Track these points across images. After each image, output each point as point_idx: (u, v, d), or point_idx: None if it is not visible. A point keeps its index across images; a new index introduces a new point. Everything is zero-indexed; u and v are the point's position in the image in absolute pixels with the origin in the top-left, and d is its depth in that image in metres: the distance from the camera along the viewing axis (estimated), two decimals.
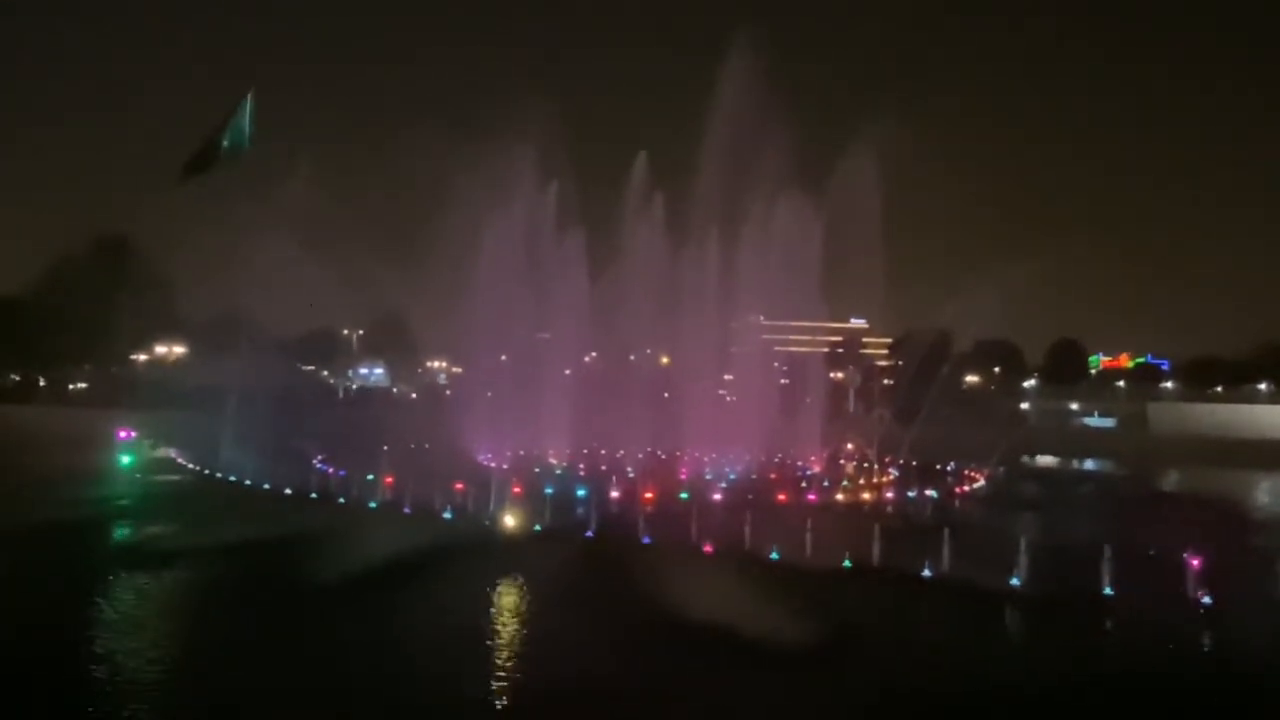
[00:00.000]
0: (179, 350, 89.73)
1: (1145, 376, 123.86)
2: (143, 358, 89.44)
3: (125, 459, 36.08)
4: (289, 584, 17.43)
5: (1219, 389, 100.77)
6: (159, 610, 16.71)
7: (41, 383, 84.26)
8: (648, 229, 44.53)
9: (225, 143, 24.67)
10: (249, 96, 25.02)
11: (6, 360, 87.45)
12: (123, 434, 39.72)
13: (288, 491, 29.43)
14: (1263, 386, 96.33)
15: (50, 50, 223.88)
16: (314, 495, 28.78)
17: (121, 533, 24.71)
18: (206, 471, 35.26)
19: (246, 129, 25.40)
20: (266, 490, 30.19)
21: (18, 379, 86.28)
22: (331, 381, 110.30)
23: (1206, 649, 15.12)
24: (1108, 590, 17.11)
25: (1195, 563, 17.17)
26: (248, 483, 31.62)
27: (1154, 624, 15.98)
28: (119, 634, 14.77)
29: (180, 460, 39.00)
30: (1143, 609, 16.55)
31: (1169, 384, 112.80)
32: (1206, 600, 16.57)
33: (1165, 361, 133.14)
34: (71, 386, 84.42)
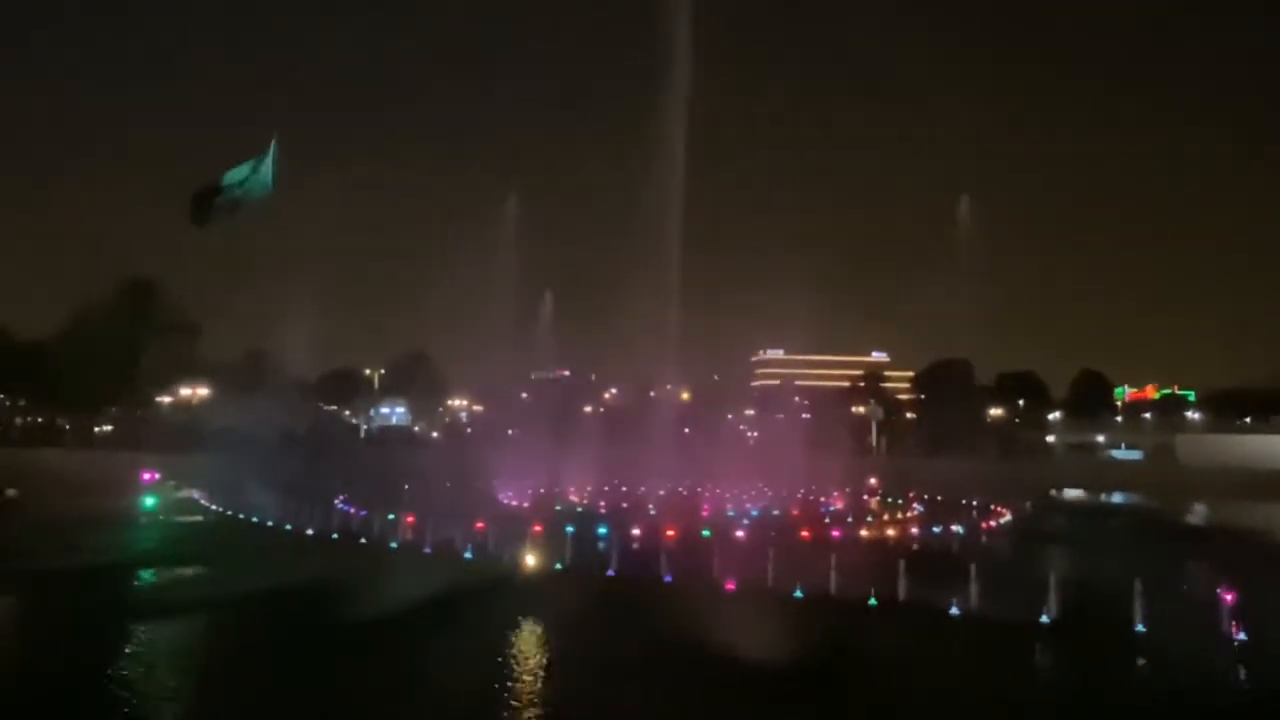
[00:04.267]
0: (203, 392, 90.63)
1: (1171, 408, 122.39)
2: (167, 400, 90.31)
3: (149, 501, 36.30)
4: (309, 626, 17.40)
5: (1247, 420, 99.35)
6: (179, 655, 16.67)
7: (66, 426, 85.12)
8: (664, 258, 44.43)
9: (248, 189, 24.96)
10: (273, 141, 25.33)
11: (32, 404, 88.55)
12: (146, 476, 40.02)
13: (310, 532, 29.47)
14: None
15: (74, 95, 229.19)
16: (335, 536, 28.80)
17: (145, 576, 24.77)
18: (229, 513, 35.39)
19: (270, 174, 25.69)
20: (289, 531, 30.23)
21: (41, 422, 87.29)
22: (354, 421, 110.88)
23: (1242, 685, 14.72)
24: (1139, 627, 16.77)
25: (1229, 598, 16.80)
26: (270, 524, 31.69)
27: (1187, 660, 15.60)
28: (139, 679, 14.72)
29: (203, 502, 39.20)
30: (1175, 645, 16.18)
31: (1195, 415, 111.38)
32: (1241, 636, 16.18)
33: (1191, 393, 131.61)
34: (96, 429, 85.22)
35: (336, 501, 32.54)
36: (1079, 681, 15.18)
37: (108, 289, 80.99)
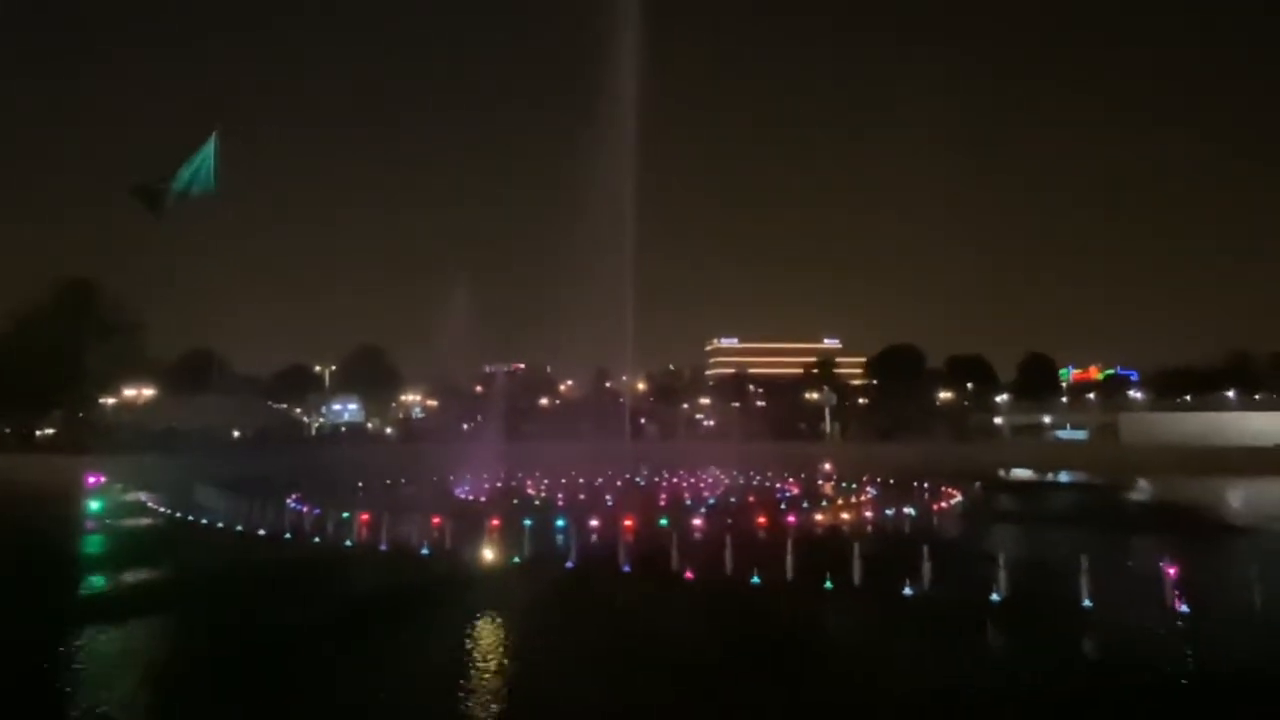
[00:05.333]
0: (148, 392, 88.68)
1: (1115, 388, 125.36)
2: (111, 401, 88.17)
3: (94, 504, 35.48)
4: (261, 629, 17.15)
5: (1188, 398, 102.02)
6: (125, 663, 16.30)
7: (6, 430, 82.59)
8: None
9: (190, 184, 24.45)
10: (213, 136, 24.85)
11: None
12: (92, 479, 39.11)
13: (261, 532, 29.03)
14: (1230, 394, 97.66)
15: (11, 94, 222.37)
16: (288, 535, 28.41)
17: (89, 581, 24.21)
18: (178, 515, 34.73)
19: (212, 169, 25.23)
20: (239, 532, 29.75)
21: None
22: (305, 419, 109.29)
23: (1184, 657, 15.17)
24: (1086, 602, 17.19)
25: (1171, 572, 17.32)
26: (220, 525, 31.17)
27: (1132, 634, 16.04)
28: (88, 686, 14.40)
29: (151, 504, 38.42)
30: (1120, 620, 16.64)
31: (1138, 394, 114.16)
32: (1183, 609, 16.69)
33: (1134, 372, 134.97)
34: (38, 432, 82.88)
35: (289, 500, 32.08)
36: (1027, 657, 15.52)
37: (46, 290, 78.76)
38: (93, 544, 29.94)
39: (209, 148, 24.23)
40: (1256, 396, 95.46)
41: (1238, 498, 48.64)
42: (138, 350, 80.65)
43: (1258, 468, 62.96)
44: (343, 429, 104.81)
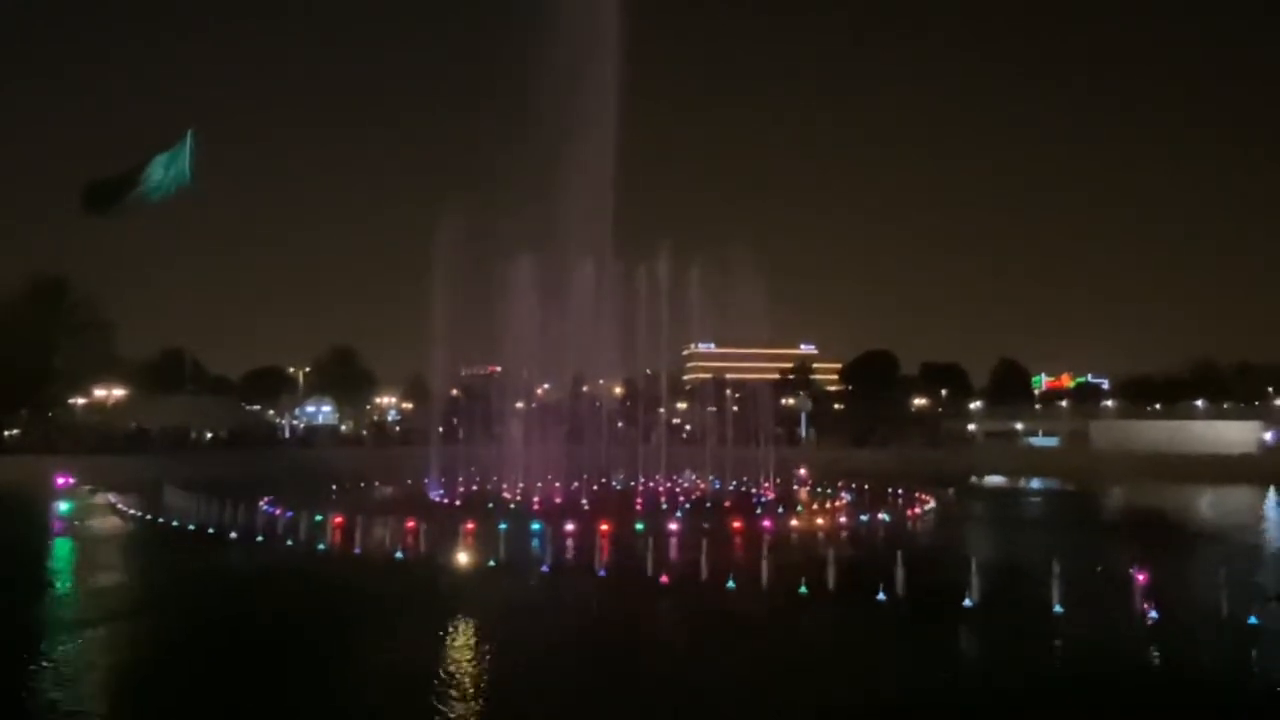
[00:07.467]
0: (119, 393, 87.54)
1: (1086, 395, 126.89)
2: (81, 401, 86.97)
3: (64, 506, 35.00)
4: (231, 634, 16.97)
5: (1157, 406, 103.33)
6: (93, 669, 16.09)
7: None
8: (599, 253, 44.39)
9: (164, 180, 24.20)
10: (189, 134, 24.62)
11: None
12: (61, 480, 38.57)
13: (233, 535, 28.74)
14: (1199, 403, 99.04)
15: None
16: (260, 538, 28.13)
17: (56, 585, 23.88)
18: (148, 517, 34.31)
19: (187, 168, 24.97)
20: (211, 534, 29.43)
21: None
22: (279, 421, 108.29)
23: (1154, 662, 15.35)
24: (1057, 608, 17.35)
25: (1141, 577, 17.52)
26: (191, 527, 30.83)
27: (1102, 639, 16.21)
28: (57, 693, 14.20)
29: (121, 506, 37.95)
30: (1091, 625, 16.82)
31: (1109, 402, 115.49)
32: (1153, 615, 16.87)
33: (1105, 380, 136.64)
34: (6, 433, 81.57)
35: (261, 503, 31.78)
36: (998, 661, 15.65)
37: (14, 287, 77.51)
38: (61, 547, 29.52)
39: (184, 146, 24.00)
40: (1225, 405, 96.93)
41: (1205, 504, 49.31)
42: (108, 349, 79.66)
43: (1224, 475, 63.84)
44: (299, 430, 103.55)
